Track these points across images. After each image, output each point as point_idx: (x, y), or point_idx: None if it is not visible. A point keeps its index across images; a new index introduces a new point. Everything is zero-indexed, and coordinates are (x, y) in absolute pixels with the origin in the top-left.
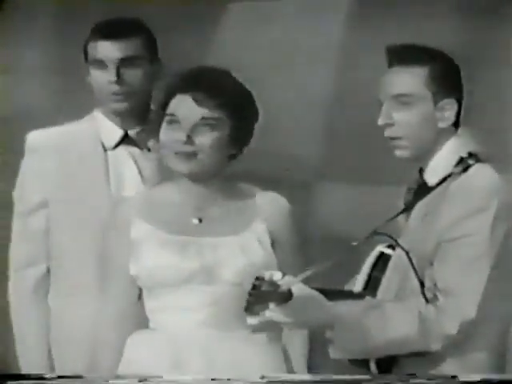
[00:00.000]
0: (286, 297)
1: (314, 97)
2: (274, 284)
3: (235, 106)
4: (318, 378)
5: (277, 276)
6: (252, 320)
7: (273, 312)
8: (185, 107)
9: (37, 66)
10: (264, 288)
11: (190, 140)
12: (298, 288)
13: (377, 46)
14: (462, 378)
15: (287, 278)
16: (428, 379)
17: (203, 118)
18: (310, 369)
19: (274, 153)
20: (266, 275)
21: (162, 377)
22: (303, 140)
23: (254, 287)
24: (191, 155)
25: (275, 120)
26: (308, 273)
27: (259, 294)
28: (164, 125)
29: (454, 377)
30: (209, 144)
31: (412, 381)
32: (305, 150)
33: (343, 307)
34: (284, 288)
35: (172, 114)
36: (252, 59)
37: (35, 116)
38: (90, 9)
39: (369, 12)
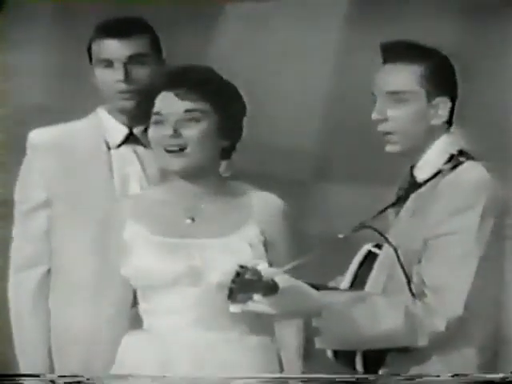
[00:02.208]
0: (271, 288)
1: (313, 95)
2: (257, 273)
3: (219, 98)
4: (306, 377)
5: (261, 266)
6: (235, 308)
7: (259, 303)
8: (168, 103)
9: (37, 65)
10: (247, 276)
11: (176, 133)
12: (284, 280)
13: (376, 45)
14: (450, 377)
15: (271, 268)
16: (417, 378)
17: (187, 111)
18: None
19: (273, 151)
20: (250, 263)
21: (150, 377)
22: (302, 139)
23: (238, 275)
24: (180, 150)
25: (274, 119)
26: (292, 264)
27: (242, 282)
28: (152, 124)
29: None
30: (196, 135)
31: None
32: (304, 148)
33: (331, 296)
34: (268, 278)
35: (158, 113)
36: (251, 59)
37: (35, 116)
38: (89, 9)
39: (368, 11)
